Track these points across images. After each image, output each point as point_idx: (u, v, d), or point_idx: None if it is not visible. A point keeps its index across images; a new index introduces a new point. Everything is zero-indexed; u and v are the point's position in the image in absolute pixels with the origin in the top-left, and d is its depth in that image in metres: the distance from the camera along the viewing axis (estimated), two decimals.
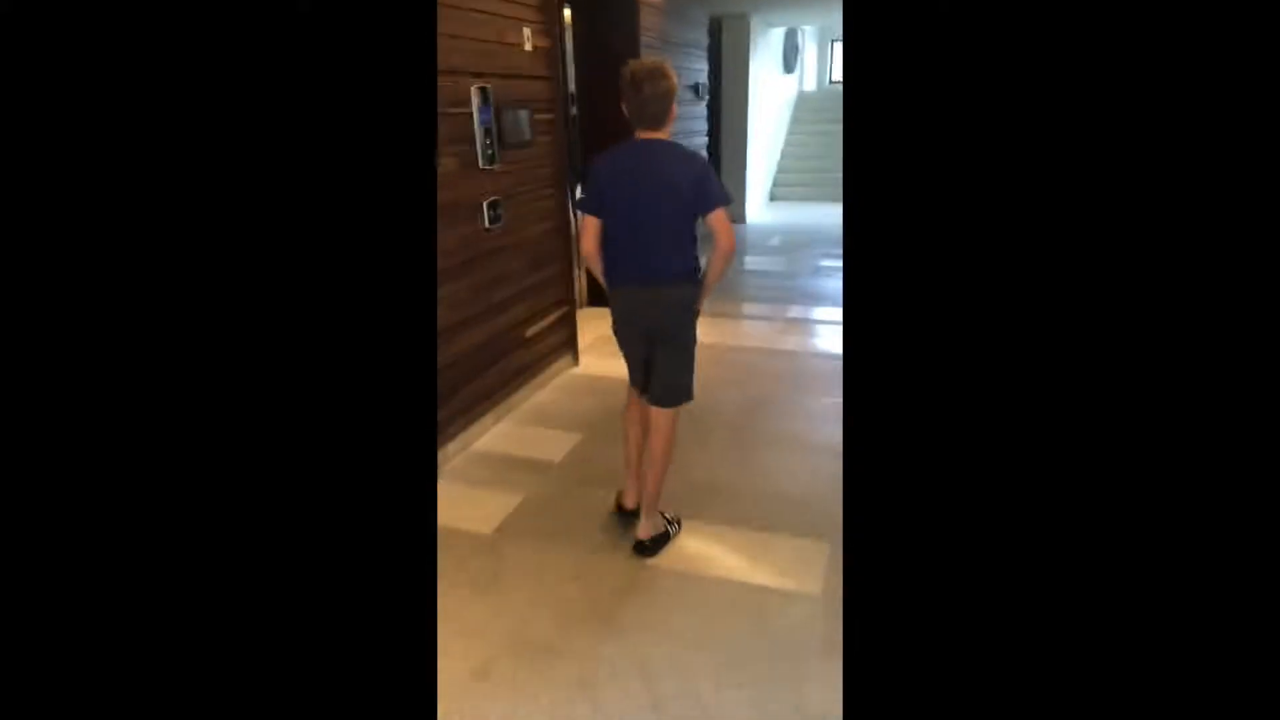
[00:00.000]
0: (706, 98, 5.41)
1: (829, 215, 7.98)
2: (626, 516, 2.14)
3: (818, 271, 5.43)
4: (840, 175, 8.94)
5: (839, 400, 3.03)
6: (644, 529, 2.03)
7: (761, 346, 3.77)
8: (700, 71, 5.26)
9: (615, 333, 1.98)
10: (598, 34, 4.03)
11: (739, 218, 7.48)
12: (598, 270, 1.91)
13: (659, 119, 1.77)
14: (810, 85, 10.88)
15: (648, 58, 1.91)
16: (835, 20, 9.70)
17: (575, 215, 3.46)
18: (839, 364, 3.47)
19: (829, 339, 3.89)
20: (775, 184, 9.16)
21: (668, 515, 2.11)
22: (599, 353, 3.66)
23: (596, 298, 4.50)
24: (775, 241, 6.60)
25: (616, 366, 3.52)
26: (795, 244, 6.46)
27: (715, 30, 6.93)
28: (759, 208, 8.15)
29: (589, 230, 1.85)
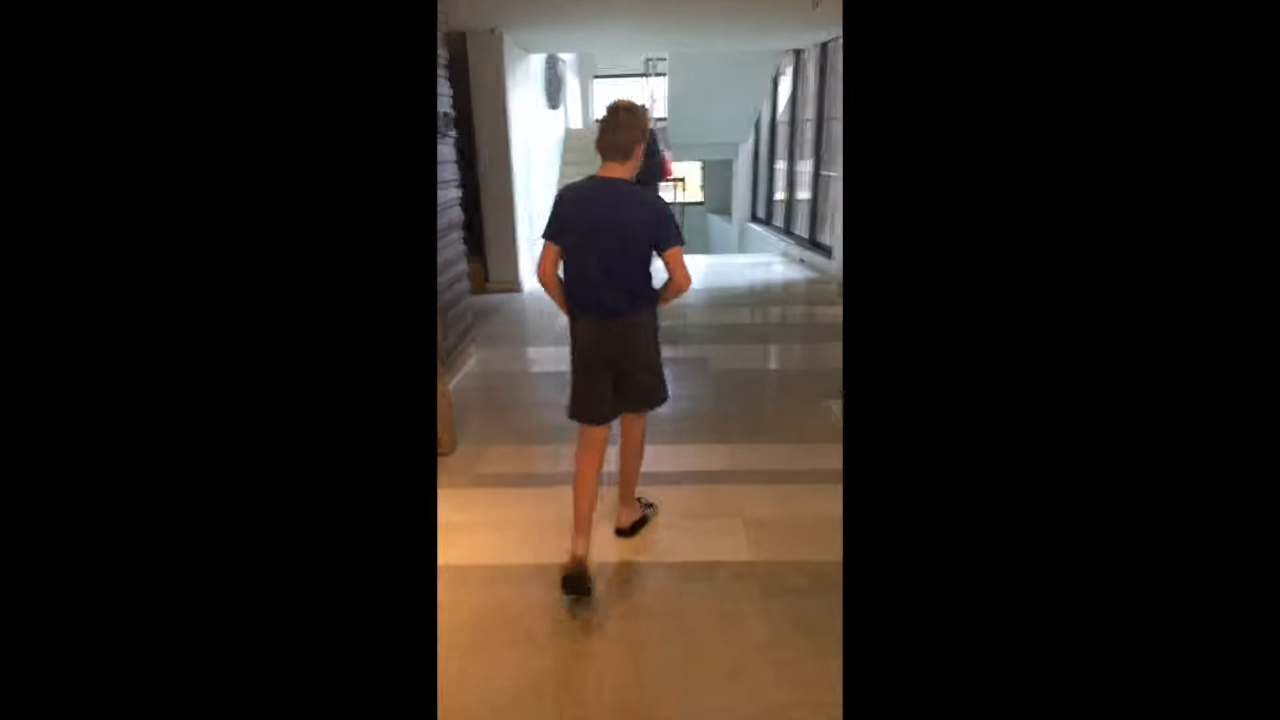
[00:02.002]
0: (453, 134, 3.80)
1: None
2: (573, 587, 1.95)
3: None
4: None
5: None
6: (624, 516, 2.26)
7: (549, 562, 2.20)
8: (440, 99, 3.65)
9: (574, 359, 2.03)
10: None
11: (514, 286, 5.92)
12: (554, 296, 2.00)
13: (625, 152, 1.86)
14: (576, 122, 9.74)
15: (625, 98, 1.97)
16: (601, 48, 8.66)
17: None
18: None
19: (715, 532, 2.45)
20: None
21: (644, 500, 2.33)
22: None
23: None
24: (564, 320, 5.12)
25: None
26: None
27: (459, 51, 5.36)
28: (532, 269, 6.65)
29: (548, 256, 1.93)
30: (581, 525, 2.02)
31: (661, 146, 6.50)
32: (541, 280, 1.99)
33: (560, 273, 1.97)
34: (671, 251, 1.87)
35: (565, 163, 8.50)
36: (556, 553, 2.19)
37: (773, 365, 4.29)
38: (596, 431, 2.06)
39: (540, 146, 7.19)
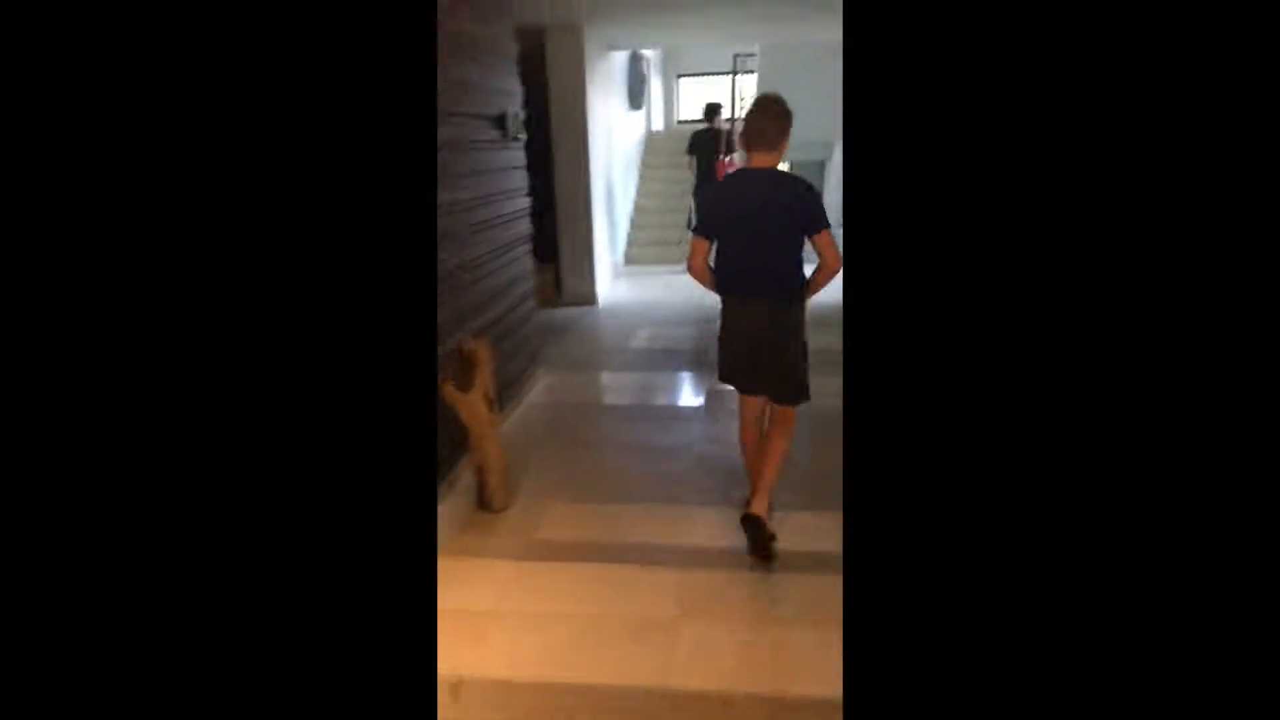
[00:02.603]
0: (523, 137, 3.41)
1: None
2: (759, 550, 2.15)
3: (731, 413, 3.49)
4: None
5: None
6: (759, 505, 2.10)
7: None
8: (509, 97, 3.27)
9: (724, 340, 2.14)
10: None
11: (589, 299, 5.50)
12: (707, 284, 2.12)
13: (773, 143, 2.00)
14: (659, 124, 9.30)
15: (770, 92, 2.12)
16: (689, 39, 8.22)
17: None
18: None
19: None
20: (630, 243, 7.34)
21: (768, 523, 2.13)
22: None
23: None
24: (642, 340, 4.63)
25: None
26: (674, 344, 4.52)
27: (537, 48, 5.00)
28: (609, 281, 6.23)
29: (700, 251, 2.06)
30: (755, 481, 2.17)
31: (731, 153, 6.01)
32: (692, 273, 2.12)
33: (711, 260, 2.10)
34: (821, 235, 1.94)
35: (646, 166, 8.06)
36: (618, 668, 1.71)
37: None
38: (751, 404, 2.19)
39: (621, 150, 6.78)
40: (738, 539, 2.16)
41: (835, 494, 2.52)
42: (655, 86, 9.11)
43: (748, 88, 7.99)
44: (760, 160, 2.01)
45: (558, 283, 5.48)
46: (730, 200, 2.04)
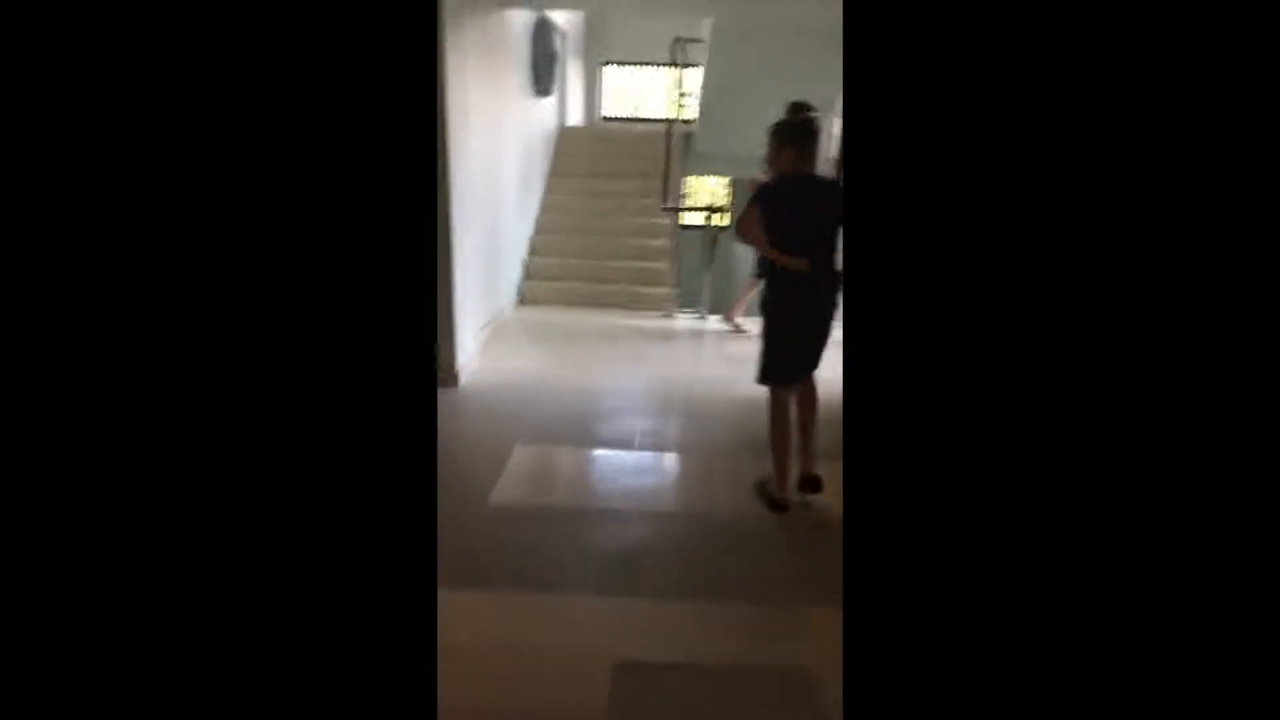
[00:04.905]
0: None
1: (624, 344, 4.35)
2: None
3: None
4: (608, 264, 4.52)
5: None
6: (812, 465, 2.51)
7: None
8: None
9: (779, 331, 2.42)
10: None
11: (444, 377, 3.61)
12: (761, 243, 2.34)
13: (814, 158, 2.39)
14: (577, 117, 7.49)
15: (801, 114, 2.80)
16: (608, 7, 6.46)
17: None
18: None
19: None
20: (528, 275, 5.49)
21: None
22: None
23: None
24: (514, 487, 2.71)
25: None
26: (577, 493, 2.67)
27: None
28: (477, 342, 4.38)
29: (753, 217, 2.30)
30: (804, 451, 2.50)
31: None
32: (743, 234, 2.36)
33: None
34: None
35: (555, 173, 6.21)
36: None
37: None
38: (788, 392, 2.47)
39: (518, 149, 4.92)
40: None
41: None
42: (574, 72, 7.30)
43: (688, 83, 6.29)
44: (804, 166, 2.33)
45: None
46: (788, 199, 2.31)
